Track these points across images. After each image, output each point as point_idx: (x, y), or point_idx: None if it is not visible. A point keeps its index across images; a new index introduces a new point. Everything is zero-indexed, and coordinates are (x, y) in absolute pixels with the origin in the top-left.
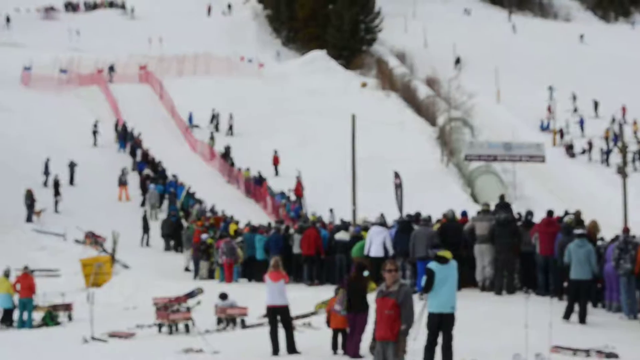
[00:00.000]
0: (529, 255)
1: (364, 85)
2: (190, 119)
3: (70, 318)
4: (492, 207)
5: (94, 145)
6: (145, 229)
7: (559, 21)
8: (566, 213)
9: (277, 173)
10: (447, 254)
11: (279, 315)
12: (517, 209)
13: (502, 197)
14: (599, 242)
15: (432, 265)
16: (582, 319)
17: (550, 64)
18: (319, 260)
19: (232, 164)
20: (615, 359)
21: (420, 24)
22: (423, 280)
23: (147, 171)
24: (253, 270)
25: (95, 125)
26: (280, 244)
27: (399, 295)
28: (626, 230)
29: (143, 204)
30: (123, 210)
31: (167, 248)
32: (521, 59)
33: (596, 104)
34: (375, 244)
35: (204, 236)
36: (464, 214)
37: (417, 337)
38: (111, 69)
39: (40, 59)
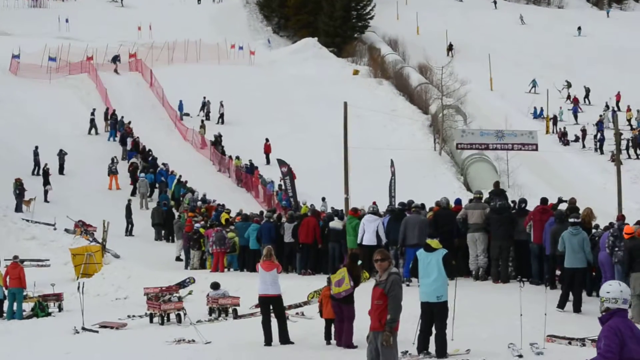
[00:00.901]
0: (523, 244)
1: (356, 72)
2: (180, 107)
3: (60, 308)
4: (485, 195)
5: (90, 134)
6: (129, 218)
7: (553, 8)
8: (560, 201)
9: (268, 161)
10: (434, 242)
11: (271, 305)
12: (510, 197)
13: (496, 184)
14: (593, 230)
15: (419, 252)
16: (577, 308)
17: (543, 51)
18: (315, 249)
19: (223, 153)
20: None
21: (412, 10)
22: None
23: (137, 160)
24: (245, 260)
25: (93, 114)
26: (273, 233)
27: (387, 284)
28: (621, 217)
29: (133, 194)
30: (113, 199)
31: (158, 238)
32: (514, 46)
33: (587, 91)
34: (368, 232)
35: (197, 225)
36: (458, 201)
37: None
38: (115, 58)
39: (29, 47)
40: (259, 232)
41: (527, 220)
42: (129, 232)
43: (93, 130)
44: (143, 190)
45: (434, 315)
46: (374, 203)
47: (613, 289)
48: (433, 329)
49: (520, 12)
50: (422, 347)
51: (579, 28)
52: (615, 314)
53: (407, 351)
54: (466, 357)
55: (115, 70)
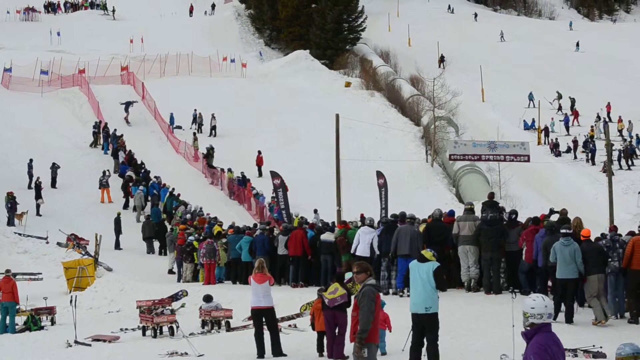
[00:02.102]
0: (514, 255)
1: (347, 84)
2: (171, 120)
3: (53, 322)
4: (478, 206)
5: (92, 146)
6: (117, 231)
7: (544, 19)
8: (552, 212)
9: (260, 174)
10: (427, 254)
11: (264, 317)
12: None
13: (491, 195)
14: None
15: (412, 263)
16: (569, 319)
17: (534, 63)
18: (306, 262)
19: (211, 165)
20: (603, 359)
21: (403, 23)
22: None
23: (129, 173)
24: (238, 272)
25: (95, 126)
26: (267, 245)
27: (359, 295)
28: (613, 228)
29: (125, 207)
30: (105, 213)
31: (150, 251)
32: (505, 58)
33: (573, 102)
34: (363, 243)
35: (190, 238)
36: (451, 213)
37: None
38: (128, 105)
39: (21, 61)
40: (253, 244)
41: (520, 241)
42: (117, 245)
43: (97, 141)
44: (138, 203)
45: (425, 327)
46: (362, 216)
47: (537, 304)
48: (425, 340)
49: (511, 24)
50: (414, 358)
51: (577, 44)
52: (540, 329)
53: None
54: None
55: (126, 120)
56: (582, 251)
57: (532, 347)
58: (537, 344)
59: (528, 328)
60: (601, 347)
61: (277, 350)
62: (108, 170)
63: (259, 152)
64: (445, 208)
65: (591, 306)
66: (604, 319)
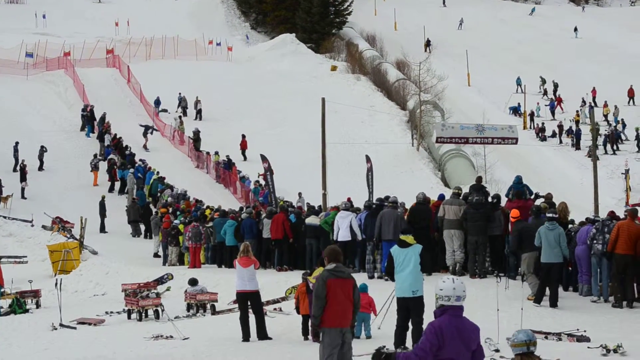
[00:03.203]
0: (498, 239)
1: (333, 68)
2: (157, 103)
3: (38, 305)
4: (466, 190)
5: (82, 130)
6: (102, 215)
7: (530, 4)
8: (537, 196)
9: (245, 157)
10: (408, 238)
11: (249, 301)
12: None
13: (479, 179)
14: (570, 226)
15: (393, 249)
16: (553, 303)
17: (520, 47)
18: (288, 245)
19: (198, 149)
20: (587, 343)
21: (389, 7)
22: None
23: (115, 157)
24: (223, 256)
25: (84, 110)
26: (254, 228)
27: None
28: (611, 213)
29: (111, 190)
30: (91, 196)
31: (135, 234)
32: (491, 42)
33: (556, 86)
34: (342, 228)
35: (175, 221)
36: (441, 197)
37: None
38: (147, 130)
39: (6, 43)
40: (241, 228)
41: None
42: (102, 228)
43: (86, 124)
44: (131, 186)
45: (410, 310)
46: (349, 199)
47: (446, 286)
48: (410, 324)
49: (499, 8)
50: (399, 342)
51: (576, 29)
52: (446, 311)
53: (384, 346)
54: None
55: (145, 146)
56: (517, 230)
57: (426, 328)
58: (431, 325)
59: (438, 309)
60: (585, 331)
61: (262, 333)
62: (98, 153)
63: (243, 136)
64: (431, 192)
65: (529, 282)
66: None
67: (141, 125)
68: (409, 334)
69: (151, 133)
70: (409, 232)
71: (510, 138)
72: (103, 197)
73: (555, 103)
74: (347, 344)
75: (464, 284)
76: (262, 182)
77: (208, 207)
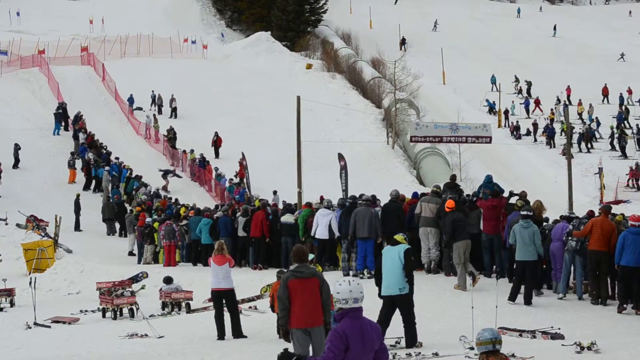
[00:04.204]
0: (474, 237)
1: (309, 66)
2: (130, 101)
3: (12, 304)
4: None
5: (58, 129)
6: (77, 213)
7: (504, 2)
8: (511, 194)
9: (217, 155)
10: (398, 237)
11: (224, 299)
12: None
13: (453, 178)
14: (544, 223)
15: (385, 248)
16: (528, 300)
17: (495, 45)
18: (265, 243)
19: (174, 147)
20: (561, 340)
21: (365, 5)
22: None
23: (90, 155)
24: (198, 254)
25: (59, 108)
26: (230, 226)
27: None
28: (590, 212)
29: (86, 188)
30: (66, 194)
31: (110, 232)
32: (467, 40)
33: (529, 85)
34: (321, 226)
35: (148, 219)
36: (415, 195)
37: None
38: (167, 174)
39: None
40: (216, 226)
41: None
42: (77, 227)
43: (62, 123)
44: (106, 184)
45: (400, 308)
46: (321, 197)
47: (342, 289)
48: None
49: (472, 6)
50: None
51: (555, 28)
52: (347, 314)
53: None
54: (418, 350)
55: (165, 188)
56: (450, 220)
57: (330, 333)
58: (335, 330)
59: (338, 312)
60: (559, 329)
61: (237, 331)
62: (74, 151)
63: (216, 134)
64: (406, 190)
65: (458, 272)
66: (464, 287)
67: (160, 170)
68: (396, 331)
69: (171, 177)
70: (402, 231)
71: (484, 137)
72: (78, 195)
73: (534, 105)
74: (316, 342)
75: (361, 284)
76: (236, 180)
77: (183, 205)
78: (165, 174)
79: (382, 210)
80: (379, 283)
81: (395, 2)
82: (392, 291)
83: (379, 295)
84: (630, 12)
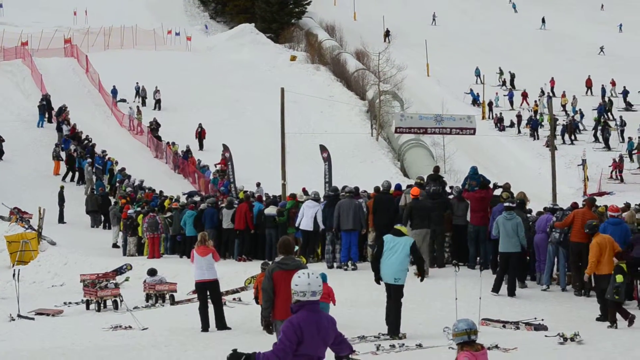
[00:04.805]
0: (462, 229)
1: (293, 58)
2: (114, 93)
3: None
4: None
5: (42, 121)
6: (61, 205)
7: None
8: (495, 186)
9: (201, 147)
10: (403, 228)
11: (208, 291)
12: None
13: (436, 169)
14: (528, 215)
15: (386, 236)
16: (511, 292)
17: (479, 37)
18: (250, 236)
19: (159, 139)
20: (544, 331)
21: None
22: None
23: (73, 147)
24: (184, 246)
25: (43, 100)
26: (215, 218)
27: None
28: (574, 204)
29: (70, 179)
30: (50, 186)
31: (94, 224)
32: (450, 32)
33: (512, 77)
34: (306, 217)
35: (130, 211)
36: (398, 187)
37: None
38: (192, 195)
39: None
40: (202, 218)
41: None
42: (61, 219)
43: (46, 115)
44: (89, 177)
45: (391, 295)
46: (304, 189)
47: (301, 282)
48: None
49: None
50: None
51: (543, 20)
52: (304, 306)
53: (363, 336)
54: (402, 342)
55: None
56: (409, 207)
57: (283, 325)
58: (290, 322)
59: (295, 304)
60: (542, 320)
61: (221, 323)
62: (59, 143)
63: (200, 126)
64: (390, 182)
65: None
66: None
67: (184, 194)
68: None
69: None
70: (394, 222)
71: (468, 128)
72: (62, 188)
73: (521, 98)
74: None
75: (320, 279)
76: (221, 171)
77: (168, 197)
78: (190, 195)
79: (375, 202)
80: (375, 269)
81: None
82: (388, 279)
83: (376, 280)
84: (602, 5)
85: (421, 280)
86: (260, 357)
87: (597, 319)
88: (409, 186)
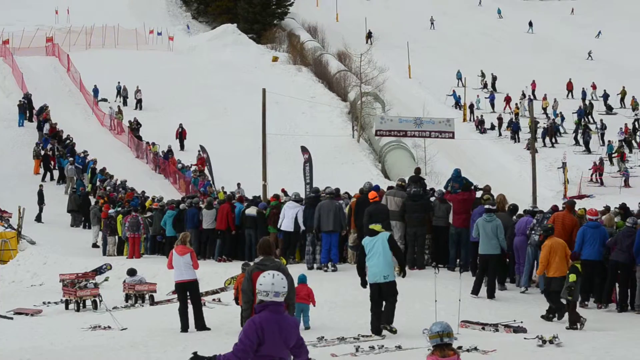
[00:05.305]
0: (442, 230)
1: (275, 59)
2: (95, 93)
3: None
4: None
5: (23, 120)
6: (40, 204)
7: None
8: (476, 188)
9: (182, 147)
10: (377, 227)
11: (188, 291)
12: (428, 184)
13: (417, 171)
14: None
15: (364, 239)
16: (491, 294)
17: (461, 39)
18: (230, 236)
19: (139, 138)
20: (523, 334)
21: None
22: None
23: (52, 146)
24: (164, 247)
25: (24, 98)
26: (196, 219)
27: None
28: (554, 207)
29: (50, 179)
30: (29, 185)
31: (74, 224)
32: (433, 34)
33: (494, 79)
34: (287, 218)
35: (111, 211)
36: (376, 188)
37: None
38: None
39: None
40: (184, 218)
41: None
42: (38, 218)
43: (27, 114)
44: (71, 175)
45: (383, 293)
46: (283, 190)
47: (265, 282)
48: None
49: (438, 0)
50: (377, 329)
51: (530, 23)
52: (267, 307)
53: (343, 337)
54: (381, 343)
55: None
56: (369, 212)
57: (245, 324)
58: (252, 322)
59: (258, 304)
60: (522, 322)
61: (200, 324)
62: (39, 142)
63: (181, 126)
64: (372, 183)
65: None
66: None
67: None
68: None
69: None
70: (378, 222)
71: (447, 132)
72: (41, 187)
73: (504, 102)
74: None
75: (285, 280)
76: (198, 172)
77: (151, 197)
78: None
79: (357, 203)
80: (361, 274)
81: None
82: (377, 279)
83: (362, 284)
84: (572, 9)
85: (403, 276)
86: (221, 359)
87: (542, 317)
88: (390, 187)
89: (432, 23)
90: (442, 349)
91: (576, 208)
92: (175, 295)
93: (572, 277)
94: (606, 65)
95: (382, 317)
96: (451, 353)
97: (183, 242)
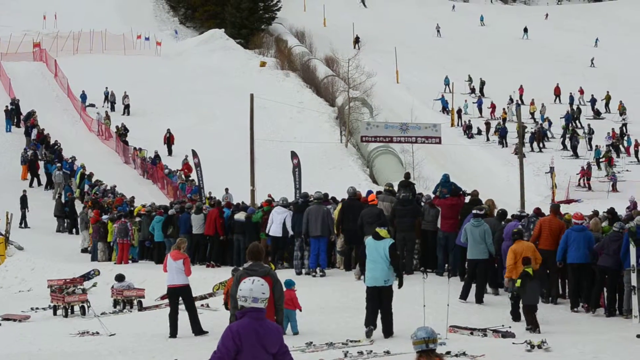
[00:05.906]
0: (431, 234)
1: (262, 64)
2: (83, 98)
3: None
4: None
5: (10, 125)
6: (23, 209)
7: (458, 1)
8: (463, 193)
9: (170, 152)
10: (382, 231)
11: (180, 296)
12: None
13: (407, 176)
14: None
15: (368, 240)
16: (479, 299)
17: (448, 44)
18: (219, 241)
19: (127, 143)
20: (512, 339)
21: (319, 2)
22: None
23: (38, 151)
24: (151, 252)
25: (12, 104)
26: (188, 224)
27: None
28: (537, 210)
29: (38, 184)
30: (16, 190)
31: (59, 229)
32: (420, 39)
33: (482, 84)
34: (276, 223)
35: (104, 217)
36: (369, 193)
37: None
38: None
39: None
40: (177, 223)
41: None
42: (23, 223)
43: (15, 120)
44: (60, 180)
45: (382, 297)
46: (269, 196)
47: (244, 287)
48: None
49: (426, 5)
50: (371, 322)
51: (525, 29)
52: (247, 313)
53: (331, 342)
54: (370, 348)
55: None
56: (362, 215)
57: (224, 332)
58: (229, 329)
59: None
60: (510, 327)
61: (197, 328)
62: (27, 148)
63: (168, 131)
64: (360, 189)
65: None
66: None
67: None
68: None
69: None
70: (384, 226)
71: (433, 137)
72: (24, 192)
73: (490, 109)
74: None
75: (266, 286)
76: (184, 177)
77: (139, 205)
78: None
79: (342, 208)
80: (363, 269)
81: (364, 4)
82: (377, 283)
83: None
84: (546, 14)
85: (399, 286)
86: None
87: (542, 301)
88: (379, 192)
89: (438, 31)
90: (428, 355)
91: (563, 213)
92: (164, 301)
93: (518, 283)
94: (597, 70)
95: (384, 329)
96: (437, 359)
97: (178, 248)
